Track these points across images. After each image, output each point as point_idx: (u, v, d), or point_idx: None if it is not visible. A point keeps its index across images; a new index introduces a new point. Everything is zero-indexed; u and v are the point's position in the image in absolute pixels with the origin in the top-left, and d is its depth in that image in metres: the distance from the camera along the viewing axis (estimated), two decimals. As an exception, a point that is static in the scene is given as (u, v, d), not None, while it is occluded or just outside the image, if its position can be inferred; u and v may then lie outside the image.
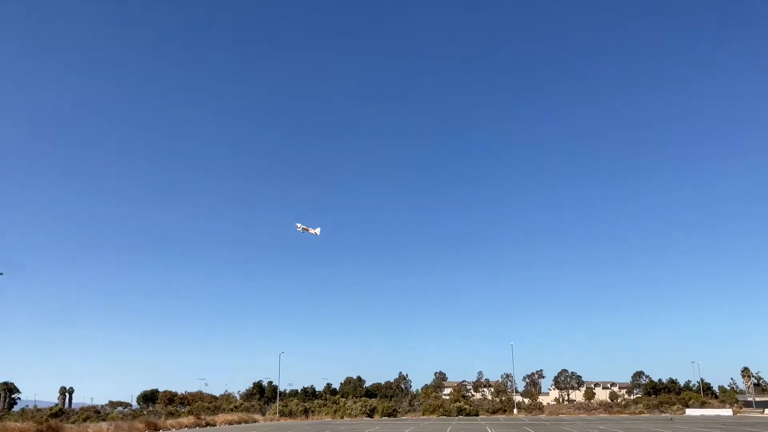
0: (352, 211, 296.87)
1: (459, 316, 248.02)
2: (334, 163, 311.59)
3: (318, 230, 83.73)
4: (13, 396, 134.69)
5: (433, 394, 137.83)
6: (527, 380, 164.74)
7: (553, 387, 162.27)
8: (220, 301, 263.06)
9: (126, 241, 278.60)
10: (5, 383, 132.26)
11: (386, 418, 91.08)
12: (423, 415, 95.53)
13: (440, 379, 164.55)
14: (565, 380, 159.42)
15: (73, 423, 69.46)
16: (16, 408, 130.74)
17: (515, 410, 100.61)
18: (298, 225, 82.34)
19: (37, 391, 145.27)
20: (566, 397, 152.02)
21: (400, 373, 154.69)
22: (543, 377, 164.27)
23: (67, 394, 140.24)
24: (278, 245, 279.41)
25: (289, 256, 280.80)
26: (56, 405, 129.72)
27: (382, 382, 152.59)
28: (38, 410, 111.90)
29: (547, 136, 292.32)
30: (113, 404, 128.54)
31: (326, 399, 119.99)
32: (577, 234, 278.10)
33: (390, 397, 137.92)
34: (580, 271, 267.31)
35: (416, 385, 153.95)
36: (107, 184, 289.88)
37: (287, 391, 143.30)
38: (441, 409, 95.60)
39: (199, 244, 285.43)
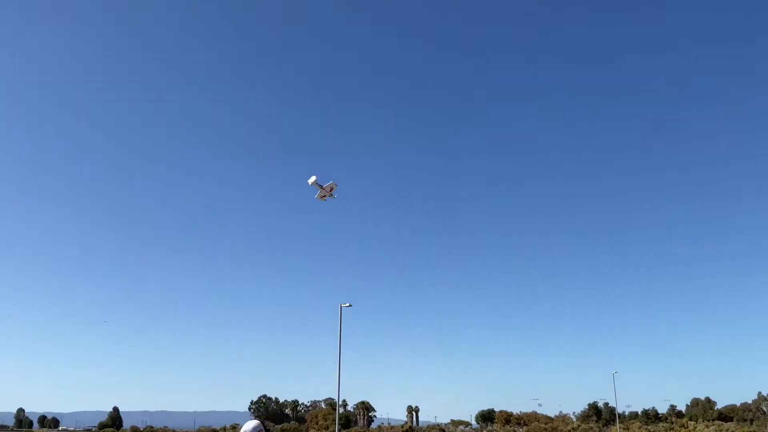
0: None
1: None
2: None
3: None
4: (369, 414, 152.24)
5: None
6: None
7: None
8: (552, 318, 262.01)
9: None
10: (363, 402, 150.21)
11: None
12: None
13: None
14: None
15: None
16: (373, 425, 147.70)
17: None
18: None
19: (389, 409, 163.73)
20: None
21: (760, 393, 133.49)
22: None
23: (414, 413, 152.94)
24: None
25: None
26: (405, 423, 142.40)
27: (737, 404, 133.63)
28: (392, 427, 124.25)
29: None
30: (455, 423, 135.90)
31: (672, 422, 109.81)
32: None
33: (750, 420, 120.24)
34: None
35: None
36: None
37: (626, 413, 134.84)
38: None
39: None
